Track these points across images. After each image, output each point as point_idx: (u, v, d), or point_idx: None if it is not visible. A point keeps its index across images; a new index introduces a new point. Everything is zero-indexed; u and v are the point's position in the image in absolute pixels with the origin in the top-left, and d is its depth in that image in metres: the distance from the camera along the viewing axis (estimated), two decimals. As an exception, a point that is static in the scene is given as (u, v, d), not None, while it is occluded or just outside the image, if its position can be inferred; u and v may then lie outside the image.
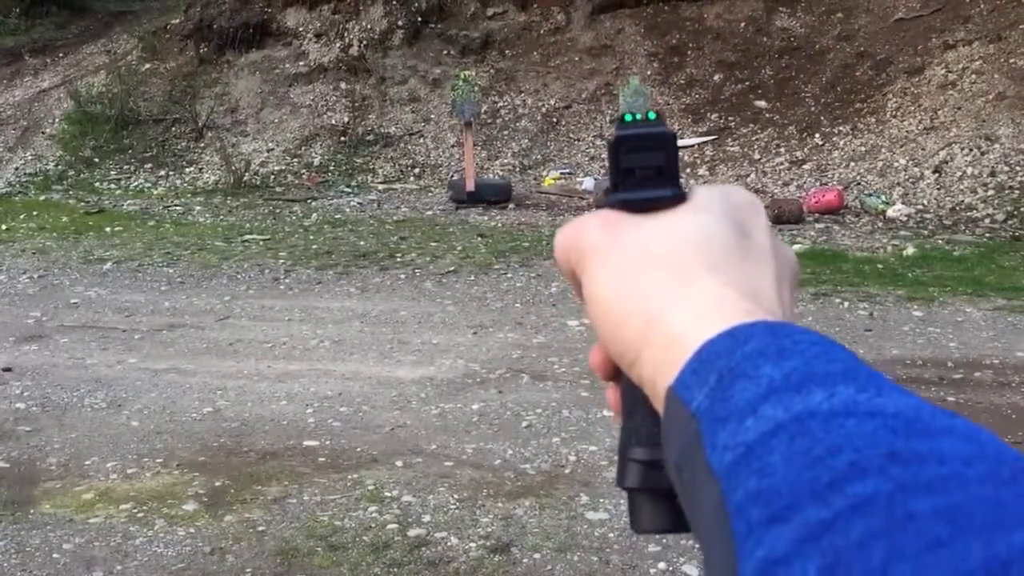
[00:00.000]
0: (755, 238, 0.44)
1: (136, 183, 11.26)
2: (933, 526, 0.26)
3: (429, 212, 9.78)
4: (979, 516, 0.26)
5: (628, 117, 0.47)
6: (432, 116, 11.81)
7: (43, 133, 12.37)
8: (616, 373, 0.45)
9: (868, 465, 0.28)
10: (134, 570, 3.36)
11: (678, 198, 0.45)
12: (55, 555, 3.47)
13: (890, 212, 8.76)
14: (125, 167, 11.62)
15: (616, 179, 0.46)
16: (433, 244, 8.37)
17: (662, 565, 3.22)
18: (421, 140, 11.60)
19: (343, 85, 12.29)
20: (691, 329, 0.38)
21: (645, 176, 0.45)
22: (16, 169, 11.79)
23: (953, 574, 0.25)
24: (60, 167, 11.73)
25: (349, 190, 10.76)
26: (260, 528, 3.61)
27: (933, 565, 0.25)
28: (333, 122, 11.93)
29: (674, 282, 0.41)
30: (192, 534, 3.58)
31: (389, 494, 3.83)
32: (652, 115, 0.47)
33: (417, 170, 11.18)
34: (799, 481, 0.29)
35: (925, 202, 8.94)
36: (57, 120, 12.44)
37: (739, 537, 0.30)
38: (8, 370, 5.35)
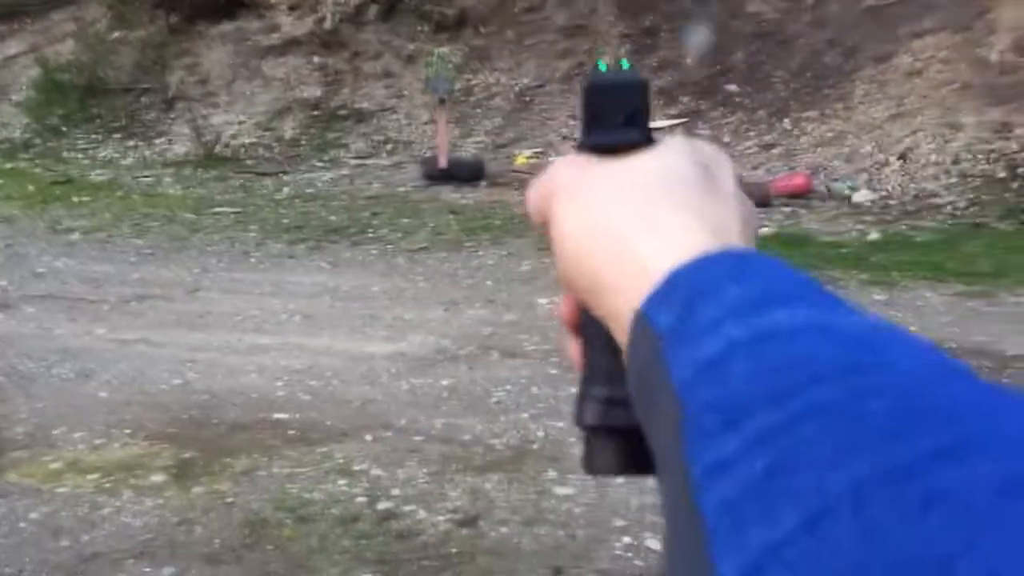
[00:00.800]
0: (722, 183, 0.44)
1: (104, 153, 11.12)
2: (885, 422, 0.27)
3: (401, 188, 9.77)
4: (929, 412, 0.27)
5: (603, 66, 0.48)
6: (406, 92, 11.77)
7: (9, 100, 12.16)
8: (580, 324, 0.46)
9: (826, 375, 0.29)
10: (102, 539, 3.37)
11: (648, 141, 0.46)
12: (21, 524, 3.48)
13: (856, 197, 8.88)
14: (93, 136, 11.47)
15: (587, 124, 0.47)
16: (405, 220, 8.37)
17: (627, 539, 3.29)
18: (394, 116, 11.56)
19: (316, 59, 12.19)
20: (659, 257, 0.39)
21: (615, 121, 0.46)
22: (-19, 136, 11.61)
23: (899, 462, 0.25)
24: (27, 135, 11.55)
25: (321, 165, 10.71)
26: (229, 500, 3.64)
27: (879, 454, 0.26)
28: (305, 96, 11.84)
29: (642, 215, 0.41)
30: (160, 505, 3.60)
31: (358, 467, 3.87)
32: (625, 64, 0.48)
33: (390, 146, 11.15)
34: (756, 390, 0.30)
35: (890, 188, 9.07)
36: (24, 88, 12.24)
37: (691, 444, 0.30)
38: (-26, 339, 5.31)
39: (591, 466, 0.47)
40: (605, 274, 0.41)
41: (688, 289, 0.36)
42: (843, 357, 0.30)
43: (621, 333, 0.40)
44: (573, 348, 0.48)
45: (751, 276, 0.35)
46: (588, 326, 0.45)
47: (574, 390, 0.48)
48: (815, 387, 0.29)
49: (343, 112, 11.61)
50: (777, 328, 0.32)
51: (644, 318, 0.37)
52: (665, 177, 0.43)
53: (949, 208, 8.60)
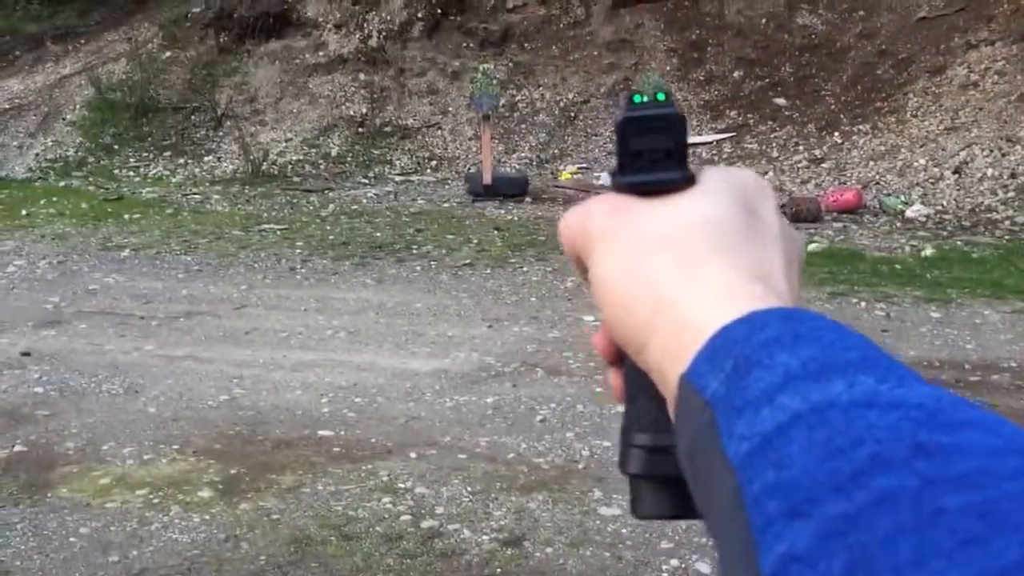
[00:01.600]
0: (764, 220, 0.43)
1: (155, 171, 11.31)
2: (965, 522, 0.25)
3: (446, 204, 9.79)
4: (1013, 513, 0.25)
5: (637, 99, 0.45)
6: (450, 108, 11.82)
7: (63, 120, 12.44)
8: (620, 358, 0.44)
9: (891, 458, 0.27)
10: (149, 555, 3.38)
11: (686, 181, 0.44)
12: (71, 539, 3.50)
13: (909, 212, 8.70)
14: (144, 155, 11.68)
15: (623, 161, 0.45)
16: (449, 237, 8.38)
17: (675, 562, 3.22)
18: (439, 132, 11.61)
19: (362, 76, 12.30)
20: (702, 315, 0.37)
21: (653, 159, 0.44)
22: (37, 155, 11.87)
23: (988, 572, 0.24)
24: (80, 154, 11.80)
25: (366, 181, 10.78)
26: (274, 516, 3.63)
27: (966, 563, 0.24)
28: (351, 113, 11.95)
29: (683, 265, 0.40)
30: (207, 521, 3.61)
31: (403, 485, 3.84)
32: (661, 96, 0.45)
33: (434, 162, 11.19)
34: (819, 473, 0.28)
35: (944, 203, 8.88)
36: (78, 107, 12.51)
37: (757, 531, 0.29)
38: (27, 355, 5.40)
39: (637, 511, 0.46)
40: (646, 330, 0.39)
41: (736, 354, 0.34)
42: (912, 435, 0.28)
43: (664, 387, 0.38)
44: (614, 379, 0.46)
45: (804, 340, 0.33)
46: (630, 368, 0.44)
47: (620, 408, 0.45)
48: (883, 473, 0.27)
49: (388, 129, 11.68)
50: (837, 400, 0.30)
51: (691, 383, 0.35)
52: (705, 223, 0.41)
53: (1007, 223, 8.39)
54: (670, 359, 0.37)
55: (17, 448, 4.23)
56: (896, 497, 0.26)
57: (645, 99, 0.45)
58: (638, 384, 0.43)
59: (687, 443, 0.35)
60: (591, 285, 0.43)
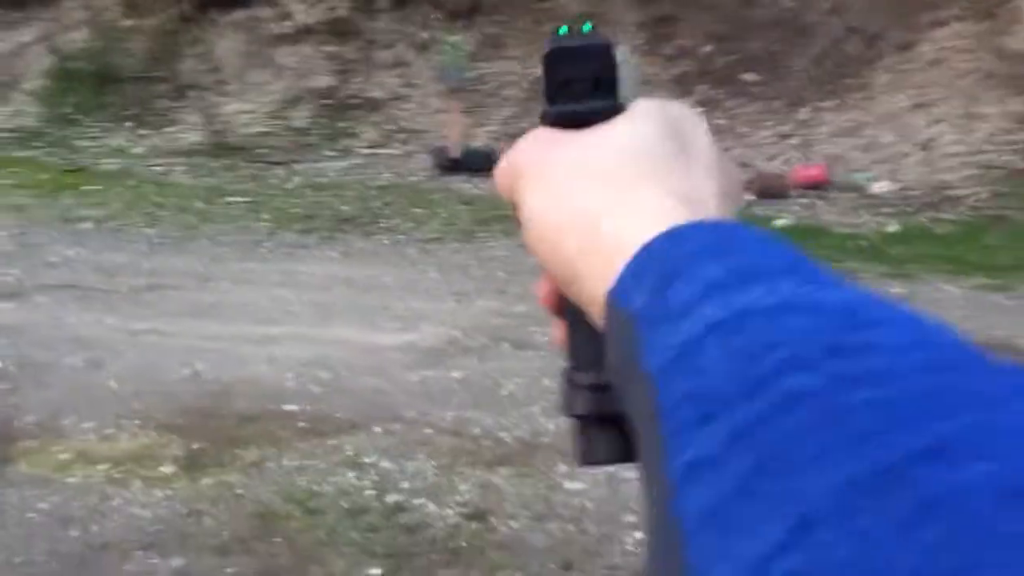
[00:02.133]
0: (697, 149, 0.42)
1: (116, 142, 11.12)
2: (866, 417, 0.25)
3: (413, 178, 9.72)
4: (914, 405, 0.25)
5: (562, 30, 0.45)
6: (418, 81, 11.71)
7: (22, 89, 12.17)
8: (562, 306, 0.44)
9: (804, 359, 0.27)
10: (111, 530, 3.35)
11: (615, 110, 0.43)
12: (31, 514, 3.46)
13: (875, 188, 8.78)
14: (105, 125, 11.46)
15: (550, 93, 0.44)
16: (417, 211, 8.33)
17: (638, 535, 3.24)
18: (406, 105, 11.51)
19: (328, 47, 12.14)
20: (630, 236, 0.36)
21: (580, 89, 0.43)
22: (-6, 125, 11.62)
23: (884, 465, 0.23)
24: (39, 123, 11.56)
25: (333, 154, 10.68)
26: (238, 491, 3.61)
27: (863, 456, 0.24)
28: (317, 85, 11.81)
29: (612, 192, 0.39)
30: (169, 496, 3.58)
31: (367, 460, 3.83)
32: (587, 26, 0.45)
33: (402, 135, 11.10)
34: (731, 378, 0.28)
35: (910, 179, 8.96)
36: (36, 76, 12.24)
37: (669, 438, 0.29)
38: (-15, 328, 5.30)
39: (585, 457, 0.45)
40: (577, 258, 0.39)
41: (661, 267, 0.34)
42: (825, 336, 0.28)
43: (598, 315, 0.38)
44: (556, 330, 0.45)
45: (728, 249, 0.33)
46: (569, 310, 0.43)
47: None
48: (794, 373, 0.27)
49: (354, 101, 11.56)
50: (755, 306, 0.30)
51: (616, 300, 0.35)
52: (634, 148, 0.41)
53: (970, 200, 8.49)
54: (599, 283, 0.37)
55: (-26, 423, 4.16)
56: (803, 396, 0.26)
57: (570, 30, 0.45)
58: (577, 323, 0.42)
59: (615, 362, 0.35)
60: (522, 225, 0.42)
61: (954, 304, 5.86)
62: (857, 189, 8.84)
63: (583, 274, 0.39)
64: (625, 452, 0.41)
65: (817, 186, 8.84)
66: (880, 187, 8.79)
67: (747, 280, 0.31)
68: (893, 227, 7.68)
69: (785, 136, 9.96)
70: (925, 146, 9.29)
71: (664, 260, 0.34)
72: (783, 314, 0.29)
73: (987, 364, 0.27)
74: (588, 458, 0.44)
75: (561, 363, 0.46)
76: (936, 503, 0.22)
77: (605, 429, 0.43)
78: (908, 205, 8.46)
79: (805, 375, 0.27)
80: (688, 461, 0.27)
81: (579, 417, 0.44)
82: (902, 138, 9.45)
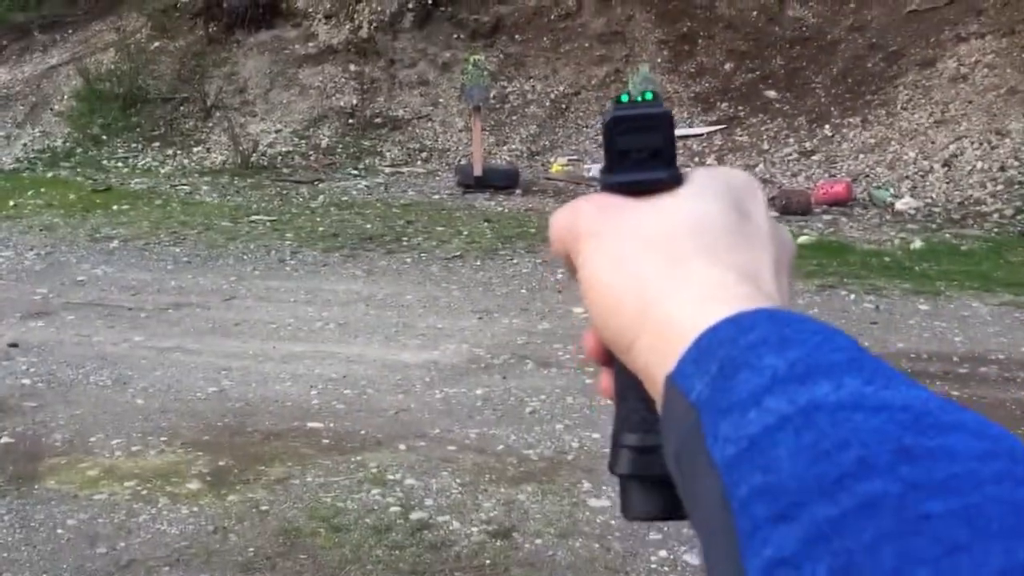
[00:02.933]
0: (753, 221, 0.42)
1: (143, 161, 11.25)
2: (949, 529, 0.25)
3: (436, 196, 9.77)
4: (997, 518, 0.25)
5: (624, 98, 0.45)
6: (441, 100, 11.78)
7: (51, 110, 12.36)
8: (610, 358, 0.44)
9: (877, 461, 0.27)
10: (137, 547, 3.38)
11: (675, 180, 0.44)
12: (59, 530, 3.49)
13: (898, 205, 8.73)
14: (133, 145, 11.61)
15: (611, 161, 0.45)
16: (439, 228, 8.36)
17: (663, 553, 3.23)
18: (429, 124, 11.58)
19: (352, 67, 12.26)
20: (689, 315, 0.37)
21: (641, 158, 0.44)
22: (24, 145, 11.79)
23: None
24: (68, 144, 11.72)
25: (356, 173, 10.75)
26: (263, 508, 3.63)
27: (951, 570, 0.24)
28: (341, 104, 11.91)
29: (670, 266, 0.40)
30: (195, 513, 3.60)
31: (392, 477, 3.84)
32: (649, 95, 0.45)
33: (425, 154, 11.17)
34: (806, 477, 0.28)
35: (934, 196, 8.90)
36: (66, 97, 12.43)
37: (743, 534, 0.29)
38: (14, 346, 5.37)
39: (627, 511, 0.46)
40: (633, 330, 0.39)
41: (722, 356, 0.34)
42: (897, 438, 0.28)
43: (652, 387, 0.38)
44: (604, 380, 0.46)
45: (791, 342, 0.33)
46: (619, 368, 0.44)
47: (608, 401, 0.46)
48: (868, 477, 0.27)
49: (378, 120, 11.65)
50: (822, 403, 0.30)
51: (677, 385, 0.35)
52: (693, 224, 0.41)
53: (995, 216, 8.43)
54: (657, 359, 0.37)
55: (4, 440, 4.21)
56: (880, 502, 0.26)
57: (635, 99, 0.45)
58: (627, 384, 0.43)
59: (674, 444, 0.35)
60: (579, 284, 0.43)
61: (981, 321, 5.81)
62: (881, 206, 8.79)
63: (638, 345, 0.39)
64: (668, 509, 0.42)
65: (840, 203, 8.80)
66: (904, 203, 8.74)
67: (812, 375, 0.31)
68: (917, 243, 7.62)
69: (808, 153, 9.93)
70: (948, 162, 9.23)
71: (727, 349, 0.34)
72: (851, 412, 0.29)
73: None
74: (632, 513, 0.45)
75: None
76: None
77: (648, 488, 0.44)
78: (932, 221, 8.40)
79: (880, 479, 0.27)
80: (768, 560, 0.27)
81: (625, 476, 0.45)
82: (925, 154, 9.40)
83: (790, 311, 0.36)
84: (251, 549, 3.36)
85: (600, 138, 0.46)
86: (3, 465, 3.98)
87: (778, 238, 0.43)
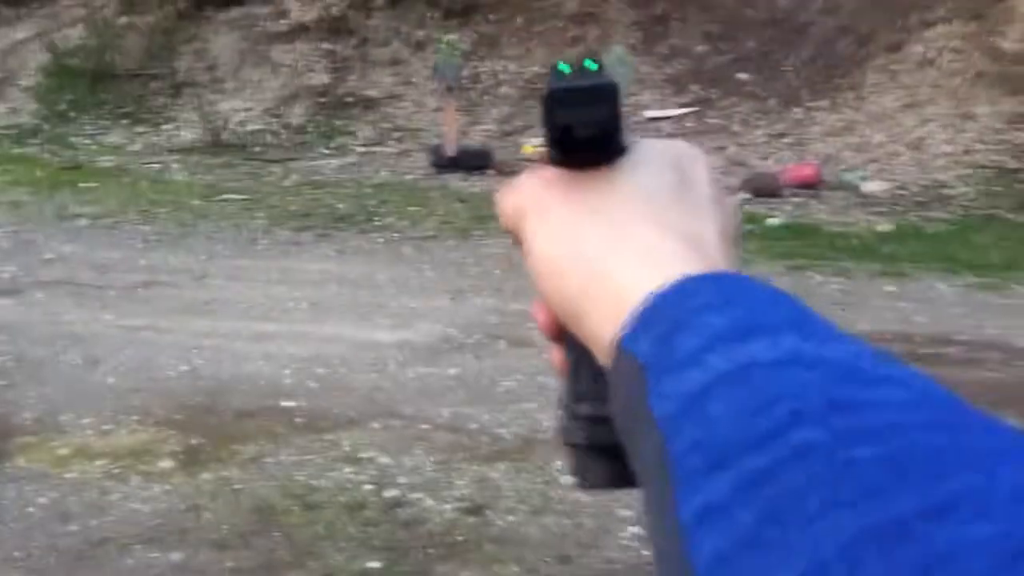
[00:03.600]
0: (697, 190, 0.43)
1: (112, 139, 11.12)
2: (872, 473, 0.26)
3: (409, 176, 9.74)
4: (918, 463, 0.26)
5: (564, 68, 0.42)
6: (414, 79, 11.73)
7: (18, 85, 12.16)
8: (561, 332, 0.45)
9: (808, 413, 0.28)
10: (110, 525, 3.38)
11: (619, 152, 0.43)
12: (30, 508, 3.48)
13: (866, 188, 8.83)
14: (101, 122, 11.46)
15: (553, 135, 0.43)
16: (412, 209, 8.35)
17: (633, 529, 3.28)
18: (402, 104, 11.53)
19: (324, 45, 12.16)
20: (635, 281, 0.38)
21: (584, 131, 0.42)
22: (-11, 122, 11.60)
23: (890, 521, 0.25)
24: (35, 120, 11.55)
25: (328, 152, 10.69)
26: (236, 486, 3.64)
27: (868, 512, 0.25)
28: (313, 83, 11.82)
29: (615, 235, 0.40)
30: (168, 491, 3.61)
31: (365, 455, 3.87)
32: (593, 65, 0.42)
33: (397, 134, 11.12)
34: (739, 430, 0.29)
35: (901, 178, 9.02)
36: (33, 73, 12.23)
37: (678, 485, 0.30)
38: (-18, 324, 5.32)
39: (583, 482, 0.46)
40: (581, 299, 0.40)
41: (667, 317, 0.35)
42: (829, 392, 0.29)
43: (602, 356, 0.39)
44: (556, 354, 0.47)
45: (733, 302, 0.34)
46: (569, 340, 0.44)
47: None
48: (799, 427, 0.28)
49: (350, 99, 11.58)
50: (759, 359, 0.31)
51: (624, 347, 0.36)
52: (638, 193, 0.42)
53: (961, 199, 8.55)
54: (604, 326, 0.38)
55: (-27, 419, 4.18)
56: (809, 450, 0.27)
57: (575, 68, 0.42)
58: (579, 356, 0.44)
59: (621, 405, 0.36)
60: (526, 258, 0.44)
61: (946, 303, 5.91)
62: (849, 188, 8.89)
63: (587, 314, 0.40)
64: (621, 478, 0.43)
65: (810, 185, 8.89)
66: (872, 186, 8.84)
67: (751, 333, 0.32)
68: (885, 226, 7.73)
69: (778, 135, 10.01)
70: (916, 145, 9.35)
71: (672, 311, 0.35)
72: (786, 368, 0.30)
73: (986, 423, 0.28)
74: (586, 483, 0.46)
75: (557, 384, 0.49)
76: (940, 561, 0.23)
77: (602, 457, 0.44)
78: (900, 204, 8.51)
79: (810, 429, 0.28)
80: (699, 507, 0.29)
81: (578, 447, 0.46)
82: (893, 138, 9.51)
83: (736, 273, 0.38)
84: (225, 527, 3.37)
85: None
86: (-28, 444, 3.95)
87: (724, 207, 0.44)
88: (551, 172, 0.44)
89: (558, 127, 0.42)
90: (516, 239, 0.46)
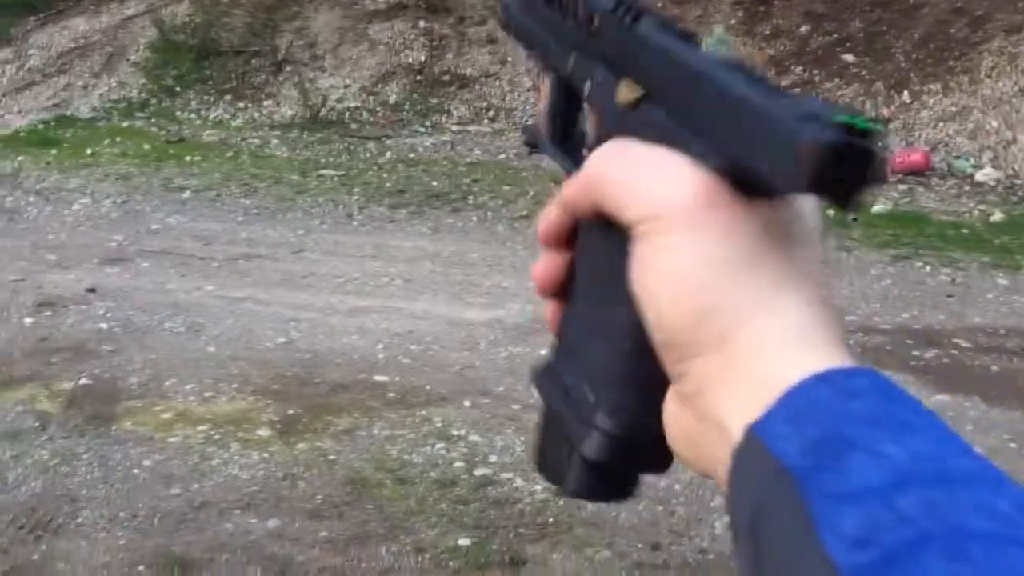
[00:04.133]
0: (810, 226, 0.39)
1: (215, 114, 11.41)
2: None
3: (502, 156, 9.74)
4: None
5: (846, 119, 0.34)
6: (509, 59, 11.70)
7: (127, 60, 12.57)
8: (560, 284, 0.43)
9: None
10: (210, 489, 3.47)
11: (786, 192, 0.37)
12: (135, 470, 3.60)
13: (978, 176, 8.46)
14: (205, 97, 11.77)
15: (806, 183, 0.35)
16: (506, 188, 8.35)
17: (728, 519, 3.22)
18: (497, 82, 11.52)
19: (422, 23, 12.22)
20: (779, 358, 0.34)
21: (844, 189, 0.36)
22: (101, 95, 12.03)
23: None
24: (143, 95, 11.92)
25: (423, 130, 10.76)
26: (331, 457, 3.70)
27: None
28: (410, 60, 11.90)
29: (772, 289, 0.36)
30: (266, 459, 3.69)
31: (456, 432, 3.88)
32: (862, 123, 0.35)
33: (492, 113, 11.12)
34: None
35: (1016, 167, 8.60)
36: (141, 48, 12.63)
37: None
38: (92, 291, 5.52)
39: (567, 487, 0.42)
40: (701, 345, 0.36)
41: (825, 422, 0.31)
42: None
43: (693, 410, 0.36)
44: (550, 312, 0.44)
45: (907, 427, 0.30)
46: (596, 300, 0.41)
47: None
48: None
49: (446, 78, 11.62)
50: (977, 531, 0.27)
51: (763, 441, 0.32)
52: (801, 247, 0.38)
53: (1080, 190, 8.12)
54: (725, 394, 0.35)
55: (83, 381, 4.35)
56: None
57: (853, 122, 0.35)
58: (618, 346, 0.40)
59: (750, 505, 0.32)
60: (640, 262, 0.38)
61: (1062, 298, 5.62)
62: (960, 176, 8.52)
63: (701, 365, 0.36)
64: (612, 493, 0.40)
65: (918, 172, 8.56)
66: (984, 174, 8.46)
67: (947, 481, 0.29)
68: (997, 216, 7.39)
69: (885, 120, 9.65)
70: (1034, 133, 8.90)
71: (829, 417, 0.31)
72: (1007, 546, 0.27)
73: None
74: (574, 491, 0.42)
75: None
76: None
77: (607, 472, 0.41)
78: (1013, 193, 8.13)
79: None
80: None
81: (584, 459, 0.41)
82: (1008, 124, 9.07)
83: (892, 383, 0.33)
84: (319, 496, 3.43)
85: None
86: (81, 406, 4.11)
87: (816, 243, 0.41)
88: (717, 184, 0.38)
89: (822, 178, 0.35)
90: (589, 208, 0.42)
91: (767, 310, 0.36)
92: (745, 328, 0.35)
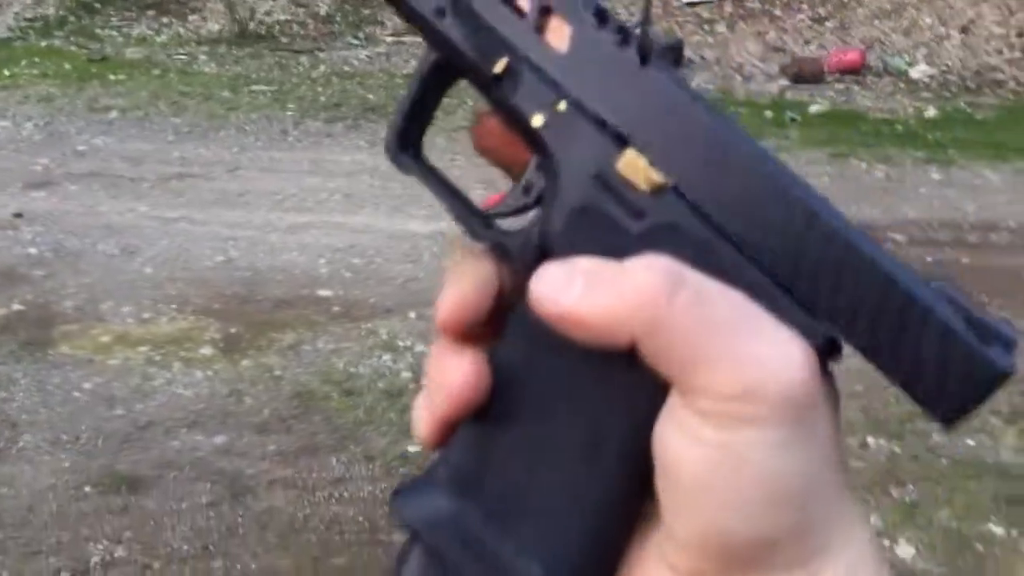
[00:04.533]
0: None
1: (139, 31, 10.95)
2: None
3: (439, 66, 9.54)
4: None
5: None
6: (442, -36, 11.38)
7: (40, -24, 11.96)
8: (487, 325, 0.35)
9: None
10: (154, 409, 3.44)
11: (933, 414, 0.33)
12: (75, 393, 3.55)
13: (913, 73, 8.53)
14: (127, 14, 11.28)
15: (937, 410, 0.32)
16: (444, 99, 8.20)
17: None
18: (431, -10, 11.21)
19: (350, -70, 11.78)
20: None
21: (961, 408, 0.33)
22: (16, 14, 11.46)
23: None
24: (61, 12, 11.38)
25: (357, 42, 10.48)
26: (276, 373, 3.67)
27: None
28: (340, -30, 11.50)
29: (838, 501, 0.33)
30: (210, 376, 3.65)
31: (402, 343, 3.88)
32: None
33: (427, 22, 10.85)
34: None
35: (949, 63, 8.69)
36: (54, -38, 12.01)
37: None
38: (19, 216, 5.34)
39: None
40: (789, 560, 0.32)
41: None
42: None
43: None
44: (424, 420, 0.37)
45: None
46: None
47: None
48: None
49: (379, -13, 11.27)
50: None
51: None
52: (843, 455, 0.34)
53: (1012, 84, 8.24)
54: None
55: (15, 307, 4.24)
56: None
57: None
58: (612, 505, 0.34)
59: None
60: (717, 442, 0.31)
61: (994, 190, 5.75)
62: (895, 74, 8.59)
63: (783, 559, 0.32)
64: None
65: (853, 71, 8.60)
66: (918, 71, 8.53)
67: None
68: (931, 112, 7.48)
69: (821, 19, 9.64)
70: (966, 28, 8.97)
71: None
72: None
73: None
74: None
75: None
76: None
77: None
78: (947, 90, 8.22)
79: None
80: None
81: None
82: (942, 20, 9.12)
83: None
84: (266, 411, 3.42)
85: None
86: (15, 331, 4.02)
87: None
88: (818, 366, 0.32)
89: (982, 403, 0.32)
90: (607, 345, 0.32)
91: (842, 523, 0.33)
92: (832, 559, 0.33)
